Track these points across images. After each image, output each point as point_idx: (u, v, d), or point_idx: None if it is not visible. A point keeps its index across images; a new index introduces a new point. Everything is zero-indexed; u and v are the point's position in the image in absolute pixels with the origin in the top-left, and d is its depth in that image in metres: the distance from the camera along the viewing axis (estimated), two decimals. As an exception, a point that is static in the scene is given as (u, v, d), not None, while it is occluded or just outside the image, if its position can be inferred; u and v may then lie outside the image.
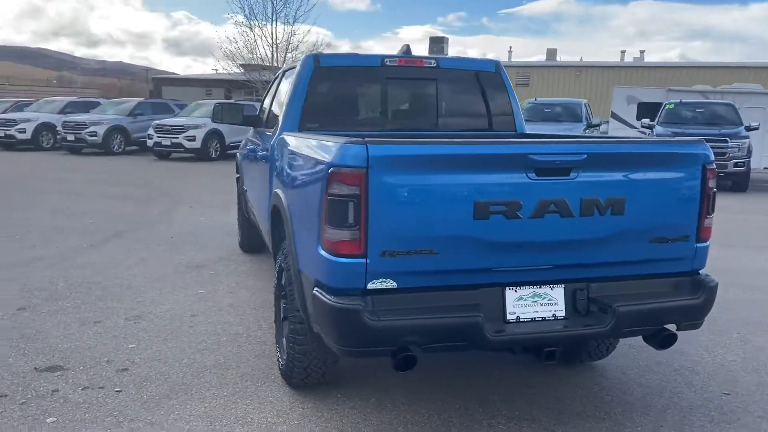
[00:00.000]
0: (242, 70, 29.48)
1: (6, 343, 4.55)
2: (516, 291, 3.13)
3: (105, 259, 7.09)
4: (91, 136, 20.61)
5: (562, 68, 42.07)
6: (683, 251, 3.29)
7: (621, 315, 3.09)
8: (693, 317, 3.31)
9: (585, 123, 16.40)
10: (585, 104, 17.92)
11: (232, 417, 3.55)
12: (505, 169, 2.93)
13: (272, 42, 28.09)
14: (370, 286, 2.90)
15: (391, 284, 2.92)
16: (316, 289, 3.03)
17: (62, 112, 23.14)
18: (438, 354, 4.12)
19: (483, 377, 4.15)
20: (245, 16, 28.60)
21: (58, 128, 21.72)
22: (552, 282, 3.18)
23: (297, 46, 28.04)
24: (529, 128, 15.86)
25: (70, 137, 20.92)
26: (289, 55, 27.97)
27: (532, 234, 3.00)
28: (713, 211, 3.34)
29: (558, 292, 3.19)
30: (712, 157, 3.27)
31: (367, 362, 4.25)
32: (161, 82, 50.19)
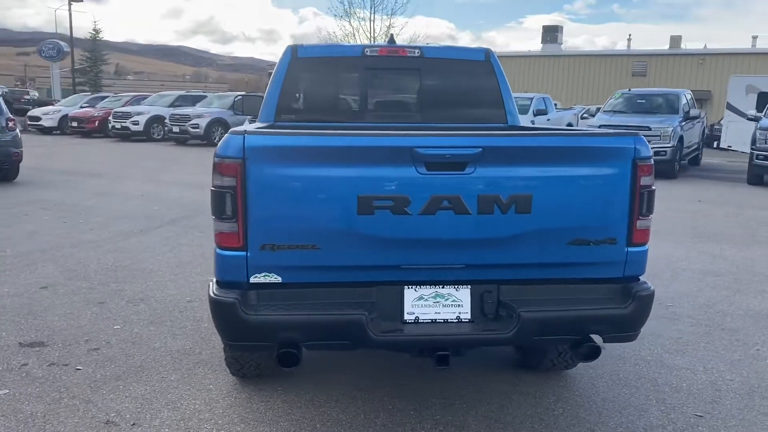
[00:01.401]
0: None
1: (12, 318, 4.94)
2: (416, 290, 2.98)
3: (145, 244, 7.49)
4: (194, 128, 21.84)
5: (683, 56, 39.31)
6: (611, 256, 2.98)
7: (525, 321, 2.86)
8: (620, 328, 3.00)
9: (682, 115, 15.23)
10: (686, 95, 16.63)
11: (163, 401, 3.65)
12: (391, 163, 2.79)
13: (371, 35, 28.42)
14: (252, 279, 2.87)
15: (275, 279, 2.88)
16: (211, 281, 3.03)
17: (172, 105, 24.69)
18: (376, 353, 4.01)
19: (443, 378, 3.98)
20: (345, 9, 29.17)
21: (166, 120, 23.19)
22: (457, 282, 3.00)
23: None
24: (616, 120, 14.96)
25: (176, 129, 22.30)
26: None
27: (424, 231, 2.83)
28: (650, 211, 3.00)
29: (464, 294, 3.00)
30: (646, 152, 2.93)
31: (323, 357, 4.22)
32: (277, 76, 52.17)
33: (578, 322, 2.94)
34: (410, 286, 2.98)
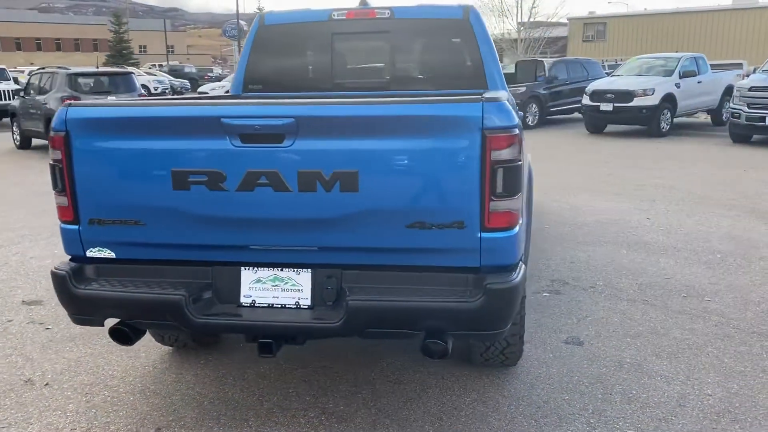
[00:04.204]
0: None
1: (35, 278, 5.42)
2: (255, 272, 2.79)
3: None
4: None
5: None
6: (460, 242, 2.55)
7: (353, 310, 2.56)
8: (468, 325, 2.57)
9: None
10: None
11: (91, 365, 3.80)
12: (204, 135, 2.60)
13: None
14: (88, 254, 2.86)
15: (108, 254, 2.84)
16: None
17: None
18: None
19: (371, 363, 3.73)
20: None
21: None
22: (298, 265, 2.76)
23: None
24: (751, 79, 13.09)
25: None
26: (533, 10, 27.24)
27: (245, 209, 2.62)
28: (510, 192, 2.50)
29: (304, 278, 2.75)
30: (500, 122, 2.44)
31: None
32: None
33: (413, 315, 2.56)
34: (248, 268, 2.79)
